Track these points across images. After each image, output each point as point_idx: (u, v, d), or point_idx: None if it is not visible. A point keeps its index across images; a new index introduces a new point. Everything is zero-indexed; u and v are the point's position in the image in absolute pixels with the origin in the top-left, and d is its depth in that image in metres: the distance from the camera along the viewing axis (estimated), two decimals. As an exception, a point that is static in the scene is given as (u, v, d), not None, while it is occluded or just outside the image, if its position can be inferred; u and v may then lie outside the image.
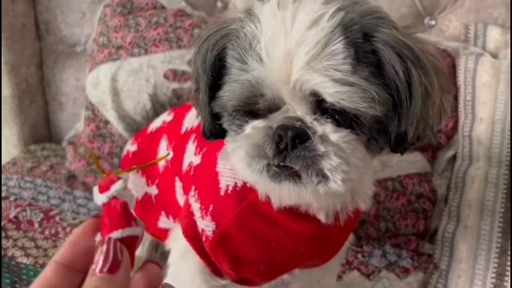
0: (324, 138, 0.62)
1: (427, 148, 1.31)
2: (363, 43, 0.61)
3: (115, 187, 0.45)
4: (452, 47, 1.32)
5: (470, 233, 1.10)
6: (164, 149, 1.03)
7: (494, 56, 1.31)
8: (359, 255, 1.23)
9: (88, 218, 0.46)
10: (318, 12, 0.61)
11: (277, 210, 0.77)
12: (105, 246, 0.42)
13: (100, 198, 0.45)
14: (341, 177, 0.63)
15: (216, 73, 0.69)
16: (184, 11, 1.40)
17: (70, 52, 1.62)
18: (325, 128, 0.63)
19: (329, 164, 0.62)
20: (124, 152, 1.15)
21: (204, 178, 0.85)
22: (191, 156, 0.91)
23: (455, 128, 1.28)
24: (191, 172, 0.89)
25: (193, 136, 0.94)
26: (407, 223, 1.27)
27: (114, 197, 0.45)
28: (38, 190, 1.40)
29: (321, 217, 0.78)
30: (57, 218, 1.31)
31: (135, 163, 1.10)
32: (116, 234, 0.43)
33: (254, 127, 0.66)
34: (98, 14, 1.49)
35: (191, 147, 0.93)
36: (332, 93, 0.60)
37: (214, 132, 0.75)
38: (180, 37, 1.33)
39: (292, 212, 0.78)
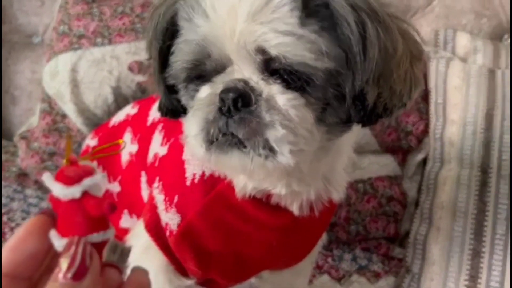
0: (270, 104, 0.58)
1: (397, 151, 1.29)
2: None
3: (93, 180, 0.38)
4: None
5: (442, 235, 1.08)
6: (128, 144, 0.96)
7: (463, 61, 1.31)
8: (329, 259, 1.19)
9: (32, 217, 0.39)
10: None
11: (247, 201, 0.72)
12: (73, 248, 0.35)
13: (69, 192, 0.37)
14: (288, 149, 0.58)
15: (168, 39, 0.65)
16: (152, 2, 1.34)
17: (26, 43, 1.53)
18: (271, 89, 0.58)
19: (274, 135, 0.57)
20: (84, 147, 1.07)
21: (169, 167, 0.79)
22: (157, 147, 0.84)
23: (426, 131, 1.27)
24: (156, 164, 0.83)
25: (160, 126, 0.87)
26: (378, 227, 1.24)
27: (86, 192, 0.38)
28: (-16, 188, 1.28)
29: (294, 209, 0.72)
30: (5, 218, 1.20)
31: (96, 159, 1.02)
32: (96, 237, 0.36)
33: (200, 97, 0.62)
34: (59, 2, 1.40)
35: (157, 137, 0.86)
36: (275, 44, 0.56)
37: (171, 109, 0.70)
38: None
39: (263, 203, 0.72)
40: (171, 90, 0.68)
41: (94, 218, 0.36)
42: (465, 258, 1.05)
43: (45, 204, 1.26)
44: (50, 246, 0.36)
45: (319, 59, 0.56)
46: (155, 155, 0.84)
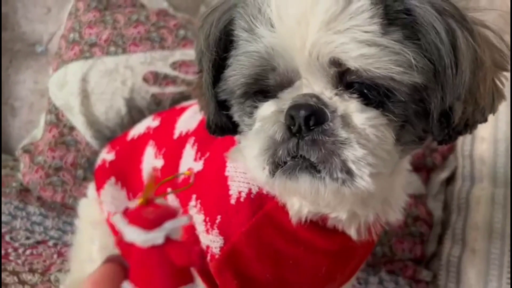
0: (346, 121, 0.52)
1: (422, 168, 1.24)
2: (394, 1, 0.53)
3: (176, 223, 0.32)
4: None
5: (478, 257, 1.03)
6: (151, 157, 0.89)
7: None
8: (355, 283, 1.13)
9: (99, 267, 0.33)
10: None
11: (299, 223, 0.66)
12: None
13: (150, 237, 0.31)
14: (368, 172, 0.52)
15: (222, 50, 0.59)
16: (166, 11, 1.29)
17: (29, 51, 1.45)
18: (347, 106, 0.53)
19: (353, 154, 0.51)
20: (99, 162, 0.99)
21: (209, 184, 0.72)
22: (190, 162, 0.78)
23: (451, 148, 1.23)
24: (191, 180, 0.76)
25: (191, 140, 0.81)
26: (404, 247, 1.18)
27: (167, 237, 0.31)
28: (-18, 204, 1.19)
29: (352, 233, 0.67)
30: (7, 237, 1.11)
31: (114, 174, 0.95)
32: None
33: (263, 115, 0.55)
34: (66, 10, 1.34)
35: (189, 151, 0.80)
36: (356, 56, 0.50)
37: (220, 126, 0.64)
38: (163, 37, 1.20)
39: (317, 225, 0.67)
40: (220, 105, 0.62)
41: (178, 268, 0.30)
42: (504, 282, 1.00)
43: (49, 223, 1.18)
44: None
45: (407, 73, 0.51)
46: (189, 171, 0.77)
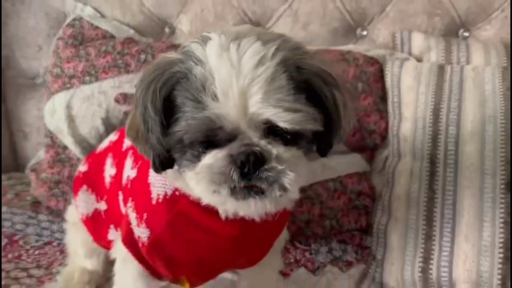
0: (280, 158, 0.74)
1: (365, 149, 1.40)
2: (297, 75, 0.73)
3: None
4: (380, 54, 1.43)
5: (399, 224, 1.19)
6: (109, 168, 1.11)
7: (419, 60, 1.42)
8: (307, 253, 1.31)
9: None
10: (261, 53, 0.71)
11: (204, 216, 0.86)
12: None
13: None
14: (297, 187, 0.76)
15: (164, 112, 0.75)
16: (132, 38, 1.50)
17: (30, 84, 1.71)
18: (278, 149, 0.74)
19: (288, 179, 0.74)
20: (76, 173, 1.23)
21: (138, 189, 0.94)
22: (129, 170, 0.99)
23: (387, 128, 1.37)
24: (129, 186, 0.98)
25: (130, 152, 1.02)
26: (350, 220, 1.35)
27: None
28: (3, 217, 1.46)
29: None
30: (21, 242, 1.38)
31: (86, 183, 1.18)
32: None
33: (215, 157, 0.74)
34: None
35: (128, 162, 1.01)
36: (286, 120, 0.71)
37: (164, 164, 0.80)
38: (127, 62, 1.42)
39: (218, 217, 0.86)
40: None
41: None
42: (419, 242, 1.16)
43: (55, 227, 1.44)
44: None
45: (313, 124, 0.74)
46: (128, 178, 0.99)
